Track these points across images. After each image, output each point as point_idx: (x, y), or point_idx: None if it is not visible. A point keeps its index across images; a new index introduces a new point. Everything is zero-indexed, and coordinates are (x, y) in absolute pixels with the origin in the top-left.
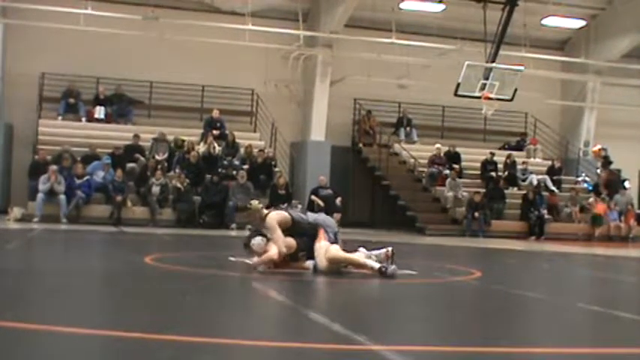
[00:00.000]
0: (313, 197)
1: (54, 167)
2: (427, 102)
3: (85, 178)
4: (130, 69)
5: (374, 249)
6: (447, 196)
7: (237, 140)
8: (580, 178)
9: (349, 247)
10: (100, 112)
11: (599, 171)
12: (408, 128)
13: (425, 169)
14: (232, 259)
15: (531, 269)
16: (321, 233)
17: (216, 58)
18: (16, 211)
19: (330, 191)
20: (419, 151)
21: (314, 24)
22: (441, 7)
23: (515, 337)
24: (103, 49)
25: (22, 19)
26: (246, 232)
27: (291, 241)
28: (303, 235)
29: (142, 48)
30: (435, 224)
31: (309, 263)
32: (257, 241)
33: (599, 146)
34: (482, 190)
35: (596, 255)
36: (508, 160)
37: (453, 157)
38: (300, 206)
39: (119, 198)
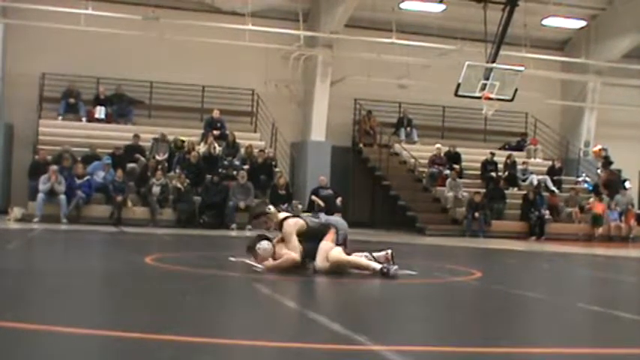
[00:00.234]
0: (313, 197)
1: (54, 167)
2: (427, 102)
3: (86, 178)
4: (130, 69)
5: (373, 252)
6: (447, 197)
7: (237, 140)
8: (580, 179)
9: (350, 247)
10: (100, 112)
11: (599, 171)
12: (408, 128)
13: (425, 170)
14: (232, 259)
15: (531, 269)
16: (332, 233)
17: (217, 59)
18: (17, 211)
19: (330, 191)
20: (419, 152)
21: (314, 24)
22: (441, 7)
23: (516, 337)
24: (103, 49)
25: (22, 19)
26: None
27: (300, 247)
28: (314, 239)
29: (143, 48)
30: (435, 224)
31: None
32: (264, 245)
33: (599, 146)
34: (483, 191)
35: (597, 255)
36: (508, 161)
37: (454, 158)
38: (300, 206)
39: (119, 198)
